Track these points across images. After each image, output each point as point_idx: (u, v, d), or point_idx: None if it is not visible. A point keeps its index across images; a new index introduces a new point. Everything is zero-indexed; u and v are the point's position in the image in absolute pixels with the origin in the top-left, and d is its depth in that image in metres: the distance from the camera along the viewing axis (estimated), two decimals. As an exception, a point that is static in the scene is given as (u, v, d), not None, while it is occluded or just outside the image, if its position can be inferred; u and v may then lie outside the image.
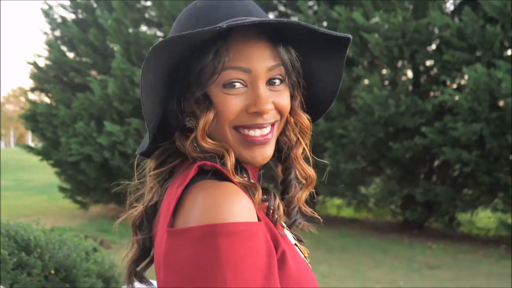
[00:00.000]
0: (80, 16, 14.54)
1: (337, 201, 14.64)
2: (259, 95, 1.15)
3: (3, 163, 23.32)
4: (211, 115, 1.16)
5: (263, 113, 1.15)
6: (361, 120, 11.42)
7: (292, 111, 1.25)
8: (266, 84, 1.18)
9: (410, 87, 12.12)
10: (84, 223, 12.40)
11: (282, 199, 1.28)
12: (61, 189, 13.93)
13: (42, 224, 4.19)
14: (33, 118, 14.10)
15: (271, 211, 1.15)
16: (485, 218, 13.27)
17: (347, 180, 12.20)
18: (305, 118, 1.26)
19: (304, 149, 1.28)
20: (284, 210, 1.21)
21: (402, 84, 11.79)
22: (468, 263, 9.71)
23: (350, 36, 1.22)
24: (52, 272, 3.34)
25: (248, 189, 1.13)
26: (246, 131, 1.17)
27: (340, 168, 11.60)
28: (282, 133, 1.27)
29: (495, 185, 11.01)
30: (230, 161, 1.14)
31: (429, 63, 12.20)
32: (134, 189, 1.31)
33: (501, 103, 10.61)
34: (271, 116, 1.18)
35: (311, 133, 1.30)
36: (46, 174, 16.91)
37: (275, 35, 1.18)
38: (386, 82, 12.10)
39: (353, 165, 11.88)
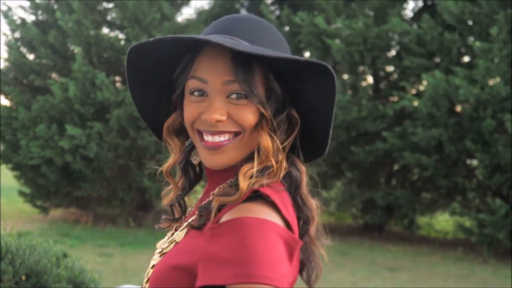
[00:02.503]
0: (40, 17, 14.29)
1: (299, 204, 14.70)
2: (210, 105, 1.24)
3: (-42, 166, 22.71)
4: (175, 115, 1.35)
5: (209, 121, 1.23)
6: (323, 124, 11.51)
7: (255, 128, 1.26)
8: (230, 97, 1.24)
9: (371, 92, 12.30)
10: (44, 227, 12.22)
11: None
12: (21, 194, 13.68)
13: (9, 229, 4.15)
14: (-8, 121, 13.81)
15: None
16: (443, 221, 13.53)
17: (309, 183, 12.27)
18: (264, 139, 1.25)
19: (250, 167, 1.24)
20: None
21: (363, 89, 11.95)
22: (426, 265, 9.92)
23: (320, 62, 1.28)
24: (23, 278, 3.33)
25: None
26: (204, 135, 1.27)
27: (302, 172, 11.66)
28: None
29: (453, 189, 11.24)
30: (171, 160, 1.37)
31: (389, 68, 12.41)
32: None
33: (458, 108, 10.82)
34: (225, 125, 1.24)
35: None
36: (4, 176, 16.58)
37: (241, 53, 1.20)
38: (348, 87, 12.24)
39: (315, 169, 11.95)
